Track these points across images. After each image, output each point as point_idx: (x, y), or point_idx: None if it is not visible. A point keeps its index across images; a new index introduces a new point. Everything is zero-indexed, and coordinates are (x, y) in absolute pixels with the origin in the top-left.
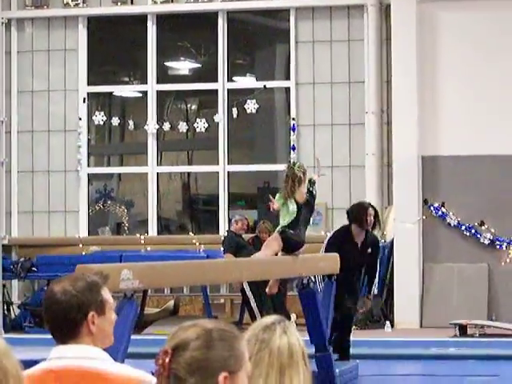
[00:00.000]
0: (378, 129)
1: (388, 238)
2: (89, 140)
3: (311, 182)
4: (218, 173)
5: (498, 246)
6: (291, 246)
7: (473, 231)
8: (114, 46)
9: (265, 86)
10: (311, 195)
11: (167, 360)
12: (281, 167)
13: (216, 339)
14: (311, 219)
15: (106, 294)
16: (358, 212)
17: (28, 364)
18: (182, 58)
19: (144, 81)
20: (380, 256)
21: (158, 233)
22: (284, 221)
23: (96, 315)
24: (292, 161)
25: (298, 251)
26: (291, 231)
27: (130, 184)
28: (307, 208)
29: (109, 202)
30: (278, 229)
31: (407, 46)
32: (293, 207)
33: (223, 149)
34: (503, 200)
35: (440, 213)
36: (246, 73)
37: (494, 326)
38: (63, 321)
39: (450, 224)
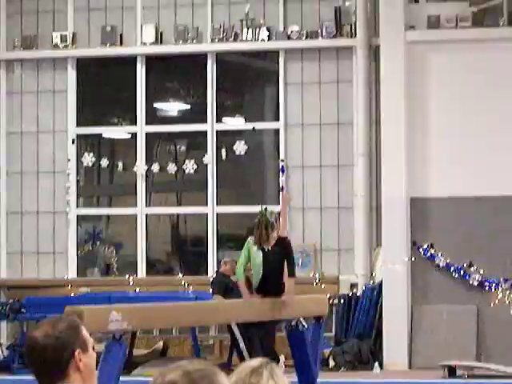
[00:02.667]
0: (367, 170)
1: (377, 279)
2: (78, 181)
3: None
4: (206, 214)
5: (486, 288)
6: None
7: (462, 272)
8: (103, 88)
9: (254, 127)
10: (287, 245)
11: None
12: (270, 208)
13: (197, 379)
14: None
15: (85, 331)
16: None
17: None
18: (171, 100)
19: (133, 122)
20: (368, 298)
21: (147, 274)
22: (255, 279)
23: (81, 352)
24: (263, 207)
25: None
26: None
27: (119, 225)
28: (278, 252)
29: (97, 243)
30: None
31: (396, 88)
32: (259, 260)
33: (212, 190)
34: (492, 241)
35: (429, 254)
36: (235, 114)
37: (483, 367)
38: (51, 363)
39: (438, 265)
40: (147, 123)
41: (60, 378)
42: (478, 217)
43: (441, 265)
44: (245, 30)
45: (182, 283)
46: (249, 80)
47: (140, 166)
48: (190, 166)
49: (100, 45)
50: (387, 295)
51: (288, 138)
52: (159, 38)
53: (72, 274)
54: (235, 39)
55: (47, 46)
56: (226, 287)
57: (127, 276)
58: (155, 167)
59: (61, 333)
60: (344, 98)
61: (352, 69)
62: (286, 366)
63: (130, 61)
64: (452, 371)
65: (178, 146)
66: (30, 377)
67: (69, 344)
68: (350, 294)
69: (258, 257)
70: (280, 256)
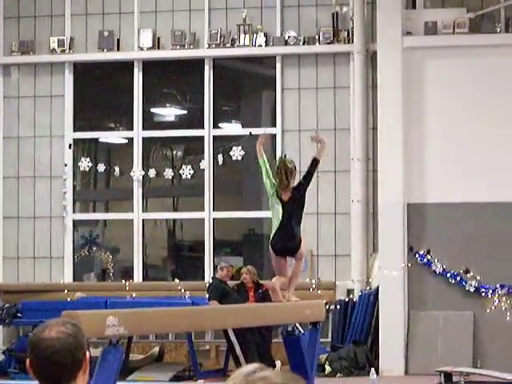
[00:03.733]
0: (364, 176)
1: (373, 285)
2: (74, 186)
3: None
4: (203, 219)
5: (483, 294)
6: (284, 252)
7: (458, 279)
8: (100, 93)
9: (250, 132)
10: (301, 188)
11: None
12: (266, 214)
13: None
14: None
15: None
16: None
17: None
18: (167, 105)
19: (130, 127)
20: (365, 303)
21: (144, 279)
22: (273, 226)
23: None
24: (283, 154)
25: (298, 253)
26: (275, 239)
27: (116, 230)
28: (296, 204)
29: (94, 248)
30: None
31: (393, 93)
32: (279, 209)
33: (209, 195)
34: (488, 247)
35: (425, 260)
36: (231, 119)
37: (479, 373)
38: (68, 365)
39: (435, 271)
40: (144, 128)
41: (70, 380)
42: (474, 223)
43: (437, 271)
44: (242, 35)
45: (179, 288)
46: (246, 85)
47: (137, 171)
48: (186, 172)
49: (97, 50)
50: (384, 301)
51: (285, 144)
52: (156, 43)
53: (68, 278)
54: (232, 45)
55: (44, 51)
56: (222, 292)
57: (123, 281)
58: (152, 172)
59: (75, 333)
60: (341, 104)
61: (349, 74)
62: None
63: (127, 66)
64: (448, 377)
65: (174, 152)
66: (27, 381)
67: (83, 344)
68: (347, 300)
69: (278, 204)
70: (298, 212)
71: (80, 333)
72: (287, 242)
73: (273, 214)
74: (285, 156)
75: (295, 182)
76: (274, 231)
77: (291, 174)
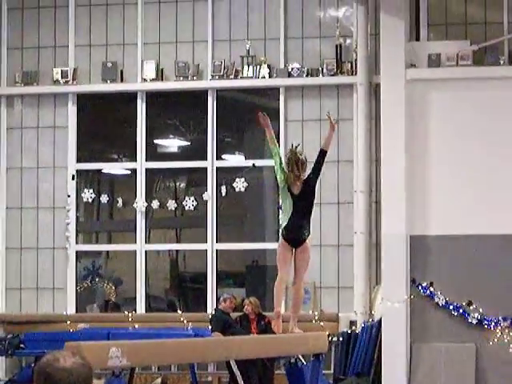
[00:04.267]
0: (367, 207)
1: (376, 317)
2: (77, 217)
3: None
4: (206, 251)
5: (485, 326)
6: (293, 240)
7: (461, 311)
8: (103, 124)
9: (254, 164)
10: (311, 181)
11: None
12: (270, 245)
13: None
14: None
15: None
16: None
17: None
18: (171, 136)
19: (133, 158)
20: (367, 335)
21: (146, 310)
22: (283, 219)
23: None
24: (294, 144)
25: (302, 245)
26: (285, 231)
27: (118, 261)
28: (306, 197)
29: (97, 279)
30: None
31: (396, 125)
32: (290, 202)
33: (212, 227)
34: (491, 279)
35: (428, 292)
36: (235, 151)
37: None
38: None
39: (437, 303)
40: (147, 159)
41: None
42: (477, 255)
43: (440, 303)
44: (245, 66)
45: (181, 319)
46: (249, 117)
47: (140, 203)
48: (189, 203)
49: (101, 81)
50: (386, 333)
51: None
52: (160, 75)
53: (71, 309)
54: (236, 76)
55: (48, 82)
56: (224, 324)
57: (126, 312)
58: (155, 203)
59: (87, 364)
60: (344, 136)
61: (352, 106)
62: None
63: (131, 97)
64: None
65: (177, 183)
66: None
67: (92, 376)
68: (349, 332)
69: (289, 199)
70: (308, 206)
71: (89, 364)
72: (297, 233)
73: (284, 208)
74: (296, 147)
75: (305, 174)
76: (284, 224)
77: (302, 166)
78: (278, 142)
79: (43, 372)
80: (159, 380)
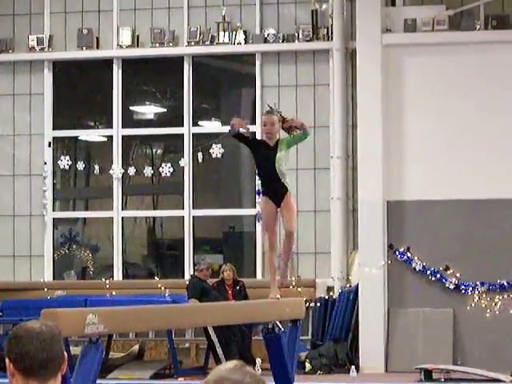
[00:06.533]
0: (343, 173)
1: (353, 282)
2: (54, 184)
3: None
4: (183, 217)
5: (463, 291)
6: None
7: (438, 276)
8: (79, 91)
9: (230, 130)
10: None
11: None
12: (246, 212)
13: None
14: None
15: None
16: None
17: None
18: (147, 103)
19: (109, 125)
20: (345, 301)
21: (123, 277)
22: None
23: None
24: (271, 104)
25: (289, 224)
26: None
27: (95, 228)
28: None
29: (74, 247)
30: (289, 188)
31: (373, 91)
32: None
33: (188, 193)
34: (468, 245)
35: (405, 257)
36: (211, 117)
37: (460, 370)
38: (55, 358)
39: (415, 269)
40: (123, 126)
41: (55, 375)
42: (454, 220)
43: (417, 268)
44: (221, 33)
45: (159, 286)
46: (225, 83)
47: (116, 169)
48: (166, 169)
49: (76, 48)
50: (363, 298)
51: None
52: (136, 41)
53: (48, 277)
54: (212, 42)
55: (23, 49)
56: (201, 290)
57: (103, 279)
58: (131, 170)
59: (57, 328)
60: (321, 101)
61: (328, 72)
62: (262, 369)
63: (107, 64)
64: (428, 375)
65: (154, 149)
66: (6, 380)
67: (60, 334)
68: (327, 297)
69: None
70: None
71: (59, 328)
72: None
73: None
74: (273, 105)
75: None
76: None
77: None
78: (255, 107)
79: (14, 337)
80: (137, 347)
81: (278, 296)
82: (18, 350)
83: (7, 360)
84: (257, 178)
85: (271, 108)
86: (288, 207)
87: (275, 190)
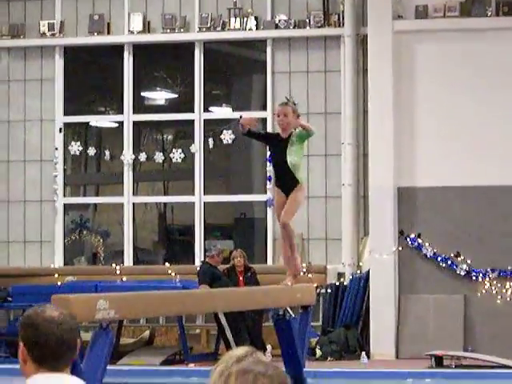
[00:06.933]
0: (355, 160)
1: (364, 268)
2: (65, 170)
3: None
4: (193, 203)
5: (473, 278)
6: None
7: (449, 262)
8: (90, 76)
9: (241, 116)
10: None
11: None
12: (257, 198)
13: None
14: None
15: None
16: None
17: None
18: (158, 89)
19: (120, 111)
20: (355, 287)
21: (134, 263)
22: (300, 169)
23: None
24: (288, 96)
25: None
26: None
27: (106, 214)
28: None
29: (84, 232)
30: (301, 181)
31: (384, 77)
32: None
33: (199, 179)
34: (479, 231)
35: (416, 244)
36: (222, 103)
37: (470, 357)
38: (73, 343)
39: (426, 255)
40: (134, 112)
41: (67, 364)
42: (465, 207)
43: (428, 254)
44: (232, 19)
45: (169, 272)
46: (236, 69)
47: (127, 155)
48: (177, 155)
49: (87, 33)
50: (374, 285)
51: (275, 127)
52: (147, 27)
53: (59, 262)
54: (223, 28)
55: (34, 35)
56: (212, 276)
57: (114, 265)
58: (142, 156)
59: (73, 316)
60: (332, 88)
61: (339, 58)
62: (272, 355)
63: (118, 49)
64: (439, 361)
65: (165, 135)
66: (17, 365)
67: (77, 325)
68: (338, 284)
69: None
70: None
71: (75, 316)
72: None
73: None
74: (290, 97)
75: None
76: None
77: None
78: (265, 94)
79: (31, 324)
80: (147, 332)
81: (289, 283)
82: (35, 339)
83: (21, 345)
84: (268, 163)
85: (287, 99)
86: (290, 199)
87: (286, 182)
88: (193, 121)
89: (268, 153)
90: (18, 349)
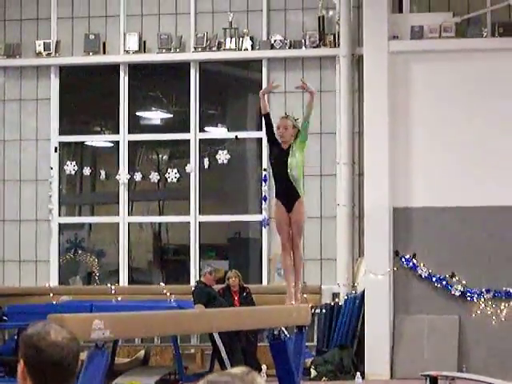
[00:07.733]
0: (350, 180)
1: (359, 289)
2: (60, 190)
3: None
4: (189, 223)
5: (468, 298)
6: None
7: (444, 283)
8: (85, 96)
9: (236, 136)
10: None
11: None
12: (252, 218)
13: None
14: None
15: None
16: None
17: None
18: (153, 108)
19: (116, 131)
20: (350, 307)
21: (129, 283)
22: (301, 183)
23: None
24: (285, 112)
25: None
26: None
27: (101, 234)
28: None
29: (79, 252)
30: (302, 195)
31: (379, 97)
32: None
33: (194, 199)
34: (474, 252)
35: (411, 264)
36: (217, 123)
37: (465, 377)
38: (72, 369)
39: (420, 275)
40: (130, 132)
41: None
42: (460, 227)
43: (423, 275)
44: (228, 39)
45: (164, 292)
46: (232, 89)
47: (122, 175)
48: (172, 175)
49: (83, 53)
50: (369, 305)
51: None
52: (142, 47)
53: (54, 282)
54: (218, 48)
55: (30, 54)
56: (207, 296)
57: (109, 284)
58: (138, 176)
59: (76, 338)
60: (327, 108)
61: (335, 78)
62: (267, 375)
63: (113, 69)
64: (434, 381)
65: (160, 155)
66: None
67: (80, 349)
68: (332, 304)
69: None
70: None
71: (77, 339)
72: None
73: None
74: (290, 114)
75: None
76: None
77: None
78: (260, 113)
79: (33, 346)
80: (142, 352)
81: (293, 302)
82: (37, 363)
83: (22, 362)
84: (263, 184)
85: (286, 114)
86: (296, 218)
87: (286, 194)
88: (188, 141)
89: (264, 173)
90: (18, 365)
